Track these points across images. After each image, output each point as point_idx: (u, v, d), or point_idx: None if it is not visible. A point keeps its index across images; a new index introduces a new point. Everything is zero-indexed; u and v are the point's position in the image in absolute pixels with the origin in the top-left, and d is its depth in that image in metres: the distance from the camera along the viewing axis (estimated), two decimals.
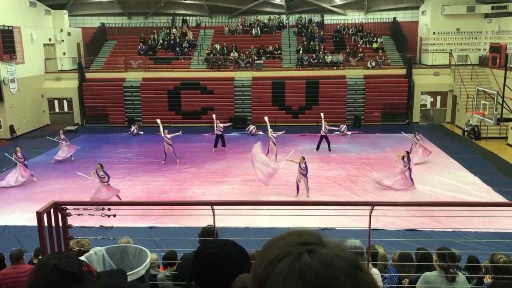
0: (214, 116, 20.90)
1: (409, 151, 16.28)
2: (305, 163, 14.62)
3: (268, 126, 19.60)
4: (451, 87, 26.20)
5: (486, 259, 5.70)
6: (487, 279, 5.32)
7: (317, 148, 20.14)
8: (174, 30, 31.03)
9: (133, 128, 24.38)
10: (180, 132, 19.34)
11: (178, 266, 4.97)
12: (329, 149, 19.99)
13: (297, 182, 14.77)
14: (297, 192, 14.68)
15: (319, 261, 0.84)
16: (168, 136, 18.43)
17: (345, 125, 23.56)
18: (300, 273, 0.83)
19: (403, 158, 15.33)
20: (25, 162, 16.84)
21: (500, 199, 13.98)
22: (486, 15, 26.92)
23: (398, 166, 15.50)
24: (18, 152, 16.75)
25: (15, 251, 6.34)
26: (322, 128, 20.01)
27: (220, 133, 20.43)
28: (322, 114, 20.50)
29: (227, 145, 20.70)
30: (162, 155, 18.74)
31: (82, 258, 3.24)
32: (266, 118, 20.77)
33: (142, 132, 24.24)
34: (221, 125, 20.46)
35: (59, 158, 18.84)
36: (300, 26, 31.19)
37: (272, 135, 18.67)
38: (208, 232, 4.74)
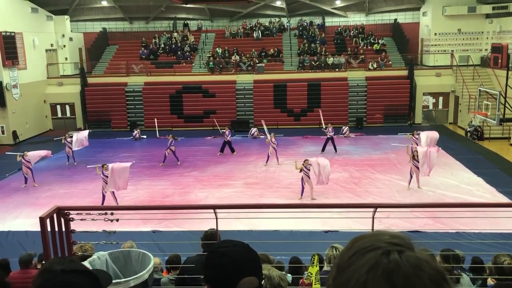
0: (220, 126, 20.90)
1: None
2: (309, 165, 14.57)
3: (266, 131, 19.52)
4: (453, 88, 26.18)
5: (490, 260, 5.68)
6: (490, 281, 5.29)
7: (323, 150, 20.13)
8: (175, 34, 31.11)
9: (135, 133, 24.40)
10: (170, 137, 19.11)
11: (181, 269, 4.98)
12: (335, 151, 19.99)
13: (302, 184, 14.67)
14: (301, 195, 14.63)
15: (408, 262, 0.86)
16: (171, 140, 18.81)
17: (347, 127, 23.54)
18: (387, 269, 0.85)
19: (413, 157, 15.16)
20: (31, 167, 16.92)
21: (504, 199, 13.93)
22: (487, 16, 26.90)
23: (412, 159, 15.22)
24: (27, 156, 16.84)
25: (25, 256, 6.32)
26: (328, 130, 19.97)
27: (227, 139, 20.46)
28: (321, 114, 20.53)
29: (226, 149, 20.71)
30: (162, 158, 18.85)
31: (85, 263, 3.24)
32: (263, 122, 20.77)
33: (145, 136, 24.23)
34: (227, 132, 20.51)
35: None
36: (301, 28, 31.23)
37: (272, 141, 18.53)
38: (211, 235, 4.74)
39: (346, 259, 0.91)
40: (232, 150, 20.51)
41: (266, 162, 18.53)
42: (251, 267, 1.60)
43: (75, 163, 19.28)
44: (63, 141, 19.50)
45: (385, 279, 0.83)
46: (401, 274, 0.84)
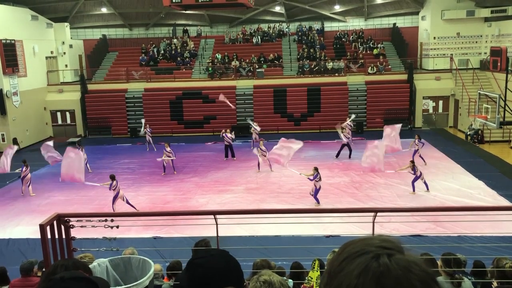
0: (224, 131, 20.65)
1: (412, 159, 16.10)
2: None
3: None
4: (452, 92, 26.20)
5: (492, 264, 5.66)
6: (495, 283, 5.27)
7: (337, 156, 20.00)
8: (175, 40, 31.19)
9: (144, 131, 22.99)
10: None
11: (177, 276, 4.97)
12: (350, 157, 19.76)
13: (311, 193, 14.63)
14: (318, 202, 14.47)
15: (398, 265, 0.87)
16: (168, 149, 18.35)
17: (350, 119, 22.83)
18: (377, 273, 0.86)
19: (412, 168, 15.16)
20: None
21: (505, 203, 13.91)
22: (486, 19, 26.96)
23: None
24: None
25: (26, 264, 6.31)
26: (344, 135, 19.78)
27: (228, 143, 20.38)
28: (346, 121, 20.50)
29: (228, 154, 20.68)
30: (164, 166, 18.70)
31: None
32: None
33: (147, 149, 23.04)
34: (229, 135, 20.40)
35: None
36: (300, 33, 31.31)
37: (262, 149, 18.13)
38: (201, 247, 4.74)
39: (337, 265, 0.91)
40: (233, 155, 20.47)
41: (259, 169, 18.36)
42: (229, 278, 1.55)
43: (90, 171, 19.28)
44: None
45: (375, 283, 0.84)
46: (391, 277, 0.85)
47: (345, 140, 19.73)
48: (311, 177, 14.47)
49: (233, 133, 20.83)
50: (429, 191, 15.16)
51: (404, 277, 0.85)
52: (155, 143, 22.63)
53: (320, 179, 14.39)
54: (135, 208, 14.12)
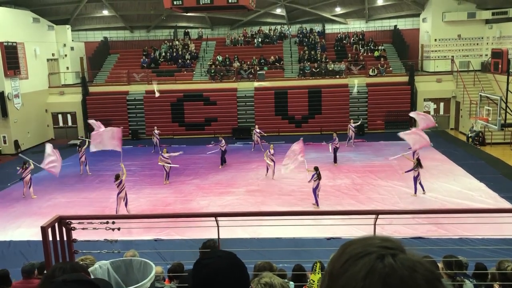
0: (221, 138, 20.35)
1: (418, 157, 16.04)
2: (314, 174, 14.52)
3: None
4: (453, 94, 26.19)
5: (494, 266, 5.65)
6: (496, 287, 5.26)
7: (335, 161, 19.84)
8: (176, 42, 31.24)
9: (156, 137, 22.81)
10: (180, 152, 19.15)
11: (181, 280, 4.96)
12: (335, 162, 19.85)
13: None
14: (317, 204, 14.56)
15: (403, 265, 0.87)
16: (166, 155, 17.83)
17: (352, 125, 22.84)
18: (382, 273, 0.85)
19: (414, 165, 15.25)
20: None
21: (506, 205, 13.88)
22: (487, 21, 26.97)
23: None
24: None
25: (27, 266, 6.32)
26: (332, 144, 19.55)
27: (223, 149, 20.15)
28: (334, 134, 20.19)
29: (228, 157, 20.44)
30: (164, 172, 18.40)
31: None
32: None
33: (152, 151, 22.88)
34: (223, 141, 20.15)
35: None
36: (301, 35, 31.34)
37: (270, 152, 17.98)
38: (209, 247, 4.74)
39: (339, 266, 0.91)
40: (224, 161, 20.04)
41: (266, 173, 18.28)
42: (232, 280, 1.55)
43: (89, 173, 19.33)
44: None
45: (381, 283, 0.84)
46: (397, 277, 0.85)
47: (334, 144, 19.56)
48: (309, 177, 14.55)
49: (222, 141, 20.16)
50: (425, 193, 15.17)
51: (409, 277, 0.85)
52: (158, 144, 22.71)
53: (317, 178, 14.38)
54: (127, 211, 14.12)
